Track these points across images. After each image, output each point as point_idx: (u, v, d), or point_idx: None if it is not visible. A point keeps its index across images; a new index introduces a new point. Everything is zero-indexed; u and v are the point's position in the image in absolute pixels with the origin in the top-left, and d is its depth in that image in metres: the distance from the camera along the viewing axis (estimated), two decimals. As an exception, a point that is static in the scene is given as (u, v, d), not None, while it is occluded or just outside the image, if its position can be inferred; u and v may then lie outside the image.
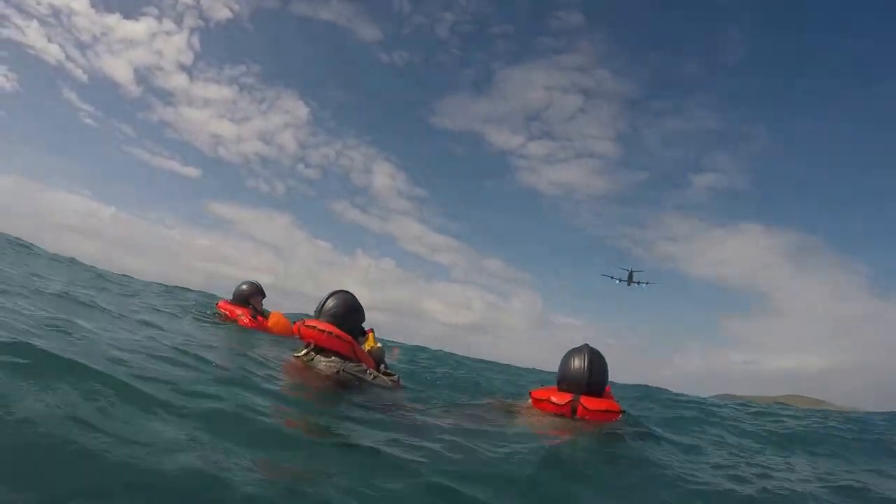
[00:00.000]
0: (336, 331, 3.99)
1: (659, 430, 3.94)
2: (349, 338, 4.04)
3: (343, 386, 3.80)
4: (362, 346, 4.29)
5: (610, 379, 3.83)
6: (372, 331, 4.46)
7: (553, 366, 4.01)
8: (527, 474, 2.28)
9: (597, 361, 3.69)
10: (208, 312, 7.85)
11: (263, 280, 8.04)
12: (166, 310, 7.61)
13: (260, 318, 7.43)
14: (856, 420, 7.52)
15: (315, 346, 4.07)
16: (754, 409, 7.89)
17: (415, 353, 11.63)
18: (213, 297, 11.46)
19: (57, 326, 3.42)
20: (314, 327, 4.02)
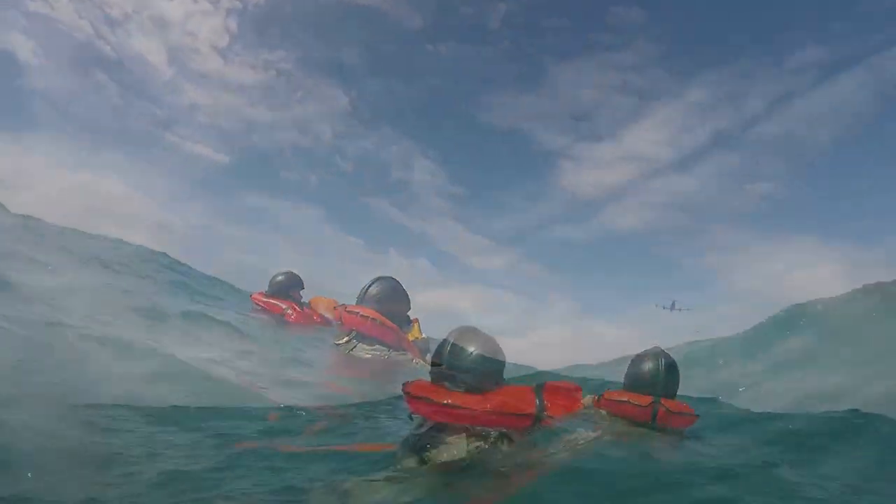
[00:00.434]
0: (380, 317, 3.78)
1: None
2: (394, 326, 3.83)
3: (385, 377, 3.56)
4: (407, 336, 4.07)
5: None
6: (417, 320, 4.23)
7: (587, 372, 3.73)
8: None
9: (672, 364, 3.48)
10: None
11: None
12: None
13: (306, 309, 7.21)
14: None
15: (357, 332, 3.87)
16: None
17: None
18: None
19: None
20: (356, 313, 3.81)
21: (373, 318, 3.74)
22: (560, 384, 2.68)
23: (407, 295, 4.10)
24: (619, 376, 3.54)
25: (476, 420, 2.44)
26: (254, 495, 2.42)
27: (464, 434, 2.48)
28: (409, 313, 4.14)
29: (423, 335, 4.21)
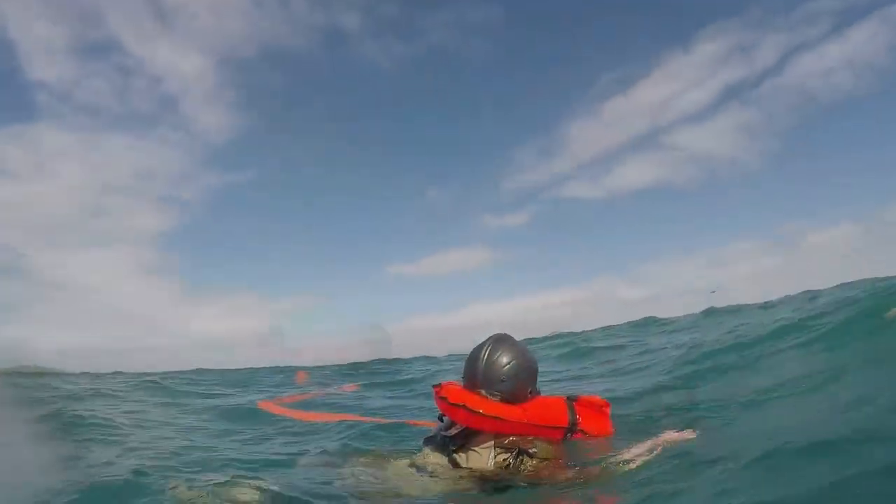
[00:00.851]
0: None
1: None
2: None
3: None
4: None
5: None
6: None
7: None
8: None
9: None
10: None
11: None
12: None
13: None
14: None
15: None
16: None
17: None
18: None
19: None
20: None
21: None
22: (592, 399, 2.66)
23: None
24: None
25: (513, 430, 2.42)
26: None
27: (491, 443, 2.45)
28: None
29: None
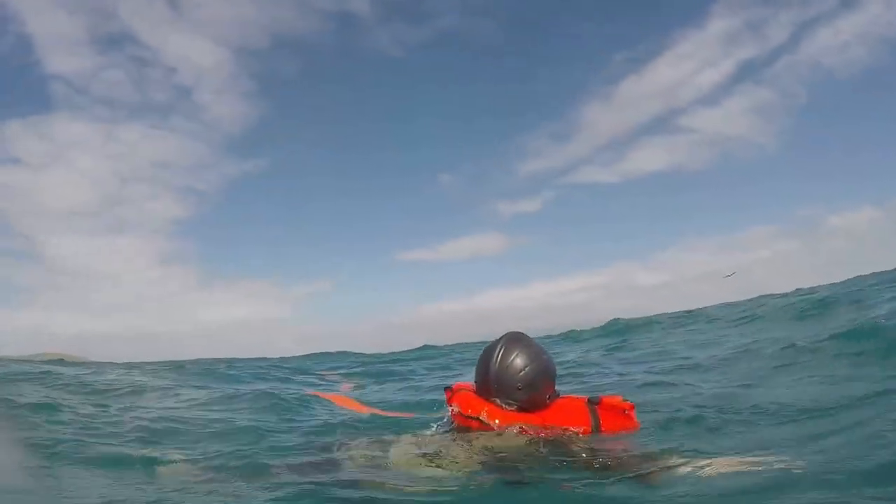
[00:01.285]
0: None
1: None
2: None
3: None
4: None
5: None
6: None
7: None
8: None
9: None
10: None
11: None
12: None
13: None
14: None
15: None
16: None
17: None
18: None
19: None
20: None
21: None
22: (614, 402, 2.43)
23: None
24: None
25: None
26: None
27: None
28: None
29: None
